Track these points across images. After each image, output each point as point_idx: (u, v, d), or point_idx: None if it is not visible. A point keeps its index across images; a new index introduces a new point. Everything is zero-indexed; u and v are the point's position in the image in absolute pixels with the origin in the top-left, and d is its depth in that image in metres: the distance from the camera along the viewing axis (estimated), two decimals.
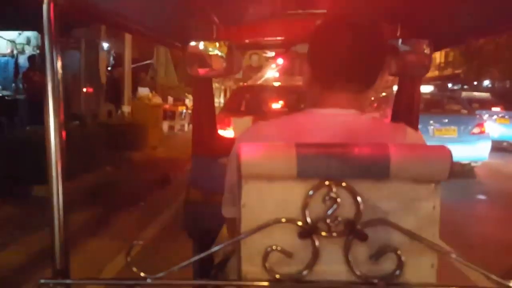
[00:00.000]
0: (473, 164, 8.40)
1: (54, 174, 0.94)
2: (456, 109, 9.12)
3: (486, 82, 22.46)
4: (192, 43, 1.99)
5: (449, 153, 0.88)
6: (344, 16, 1.15)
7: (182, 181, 7.23)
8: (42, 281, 0.90)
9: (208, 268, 1.49)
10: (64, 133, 0.96)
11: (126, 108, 9.02)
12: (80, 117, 8.03)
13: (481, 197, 7.12)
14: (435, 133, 8.04)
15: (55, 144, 0.93)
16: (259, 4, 1.93)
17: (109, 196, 5.30)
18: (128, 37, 8.86)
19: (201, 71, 2.06)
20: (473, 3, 1.50)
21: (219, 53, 2.02)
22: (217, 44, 2.01)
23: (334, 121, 1.05)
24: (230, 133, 6.02)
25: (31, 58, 11.41)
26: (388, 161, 0.86)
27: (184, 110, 14.45)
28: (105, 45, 13.48)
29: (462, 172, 7.90)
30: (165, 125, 12.61)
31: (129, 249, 0.88)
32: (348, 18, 1.12)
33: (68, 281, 0.93)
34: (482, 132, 8.42)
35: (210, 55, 2.02)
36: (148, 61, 13.87)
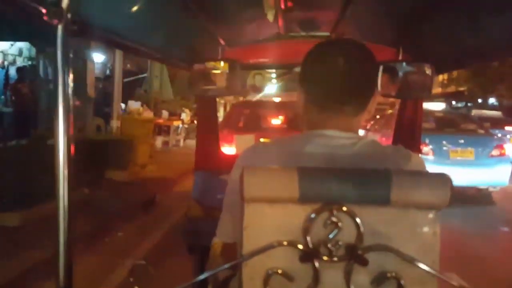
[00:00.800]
0: (491, 189, 7.68)
1: (61, 192, 0.99)
2: (472, 128, 8.31)
3: (492, 100, 21.74)
4: (198, 64, 2.08)
5: (449, 180, 0.89)
6: (335, 41, 1.23)
7: (170, 204, 6.59)
8: None
9: (207, 285, 1.47)
10: (73, 149, 1.00)
11: (115, 123, 8.46)
12: None
13: (504, 228, 6.31)
14: (451, 155, 7.26)
15: (63, 165, 0.99)
16: (264, 26, 2.01)
17: (78, 226, 4.62)
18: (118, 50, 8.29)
19: (206, 90, 2.14)
20: (474, 28, 1.54)
21: (224, 73, 2.09)
22: (222, 64, 2.08)
23: (335, 143, 1.06)
24: (232, 150, 5.94)
25: (20, 70, 10.88)
26: (389, 188, 0.87)
27: (180, 125, 13.84)
28: (101, 56, 12.93)
29: (479, 198, 7.39)
30: (159, 141, 12.03)
31: (132, 269, 0.91)
32: (339, 43, 1.19)
33: None
34: (502, 155, 7.53)
35: (215, 75, 2.10)
36: (143, 75, 13.33)
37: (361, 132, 1.45)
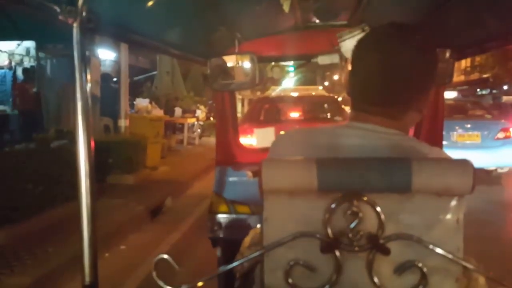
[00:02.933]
0: (499, 171, 8.02)
1: (83, 190, 1.00)
2: (480, 114, 8.90)
3: None
4: (215, 58, 2.07)
5: (471, 167, 0.87)
6: (380, 31, 1.05)
7: (182, 209, 5.89)
8: None
9: (232, 278, 1.46)
10: (93, 150, 1.01)
11: (123, 123, 7.80)
12: (67, 134, 6.71)
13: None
14: (457, 139, 7.75)
15: (85, 159, 1.00)
16: (280, 18, 1.98)
17: (75, 240, 3.92)
18: (124, 45, 7.58)
19: (225, 84, 2.13)
20: (494, 11, 1.50)
21: (242, 67, 2.09)
22: (239, 57, 2.08)
23: (374, 137, 1.00)
24: (253, 141, 5.74)
25: (26, 71, 10.26)
26: (410, 176, 0.86)
27: (195, 122, 13.14)
28: (112, 54, 12.25)
29: (488, 180, 7.50)
30: (172, 139, 11.24)
31: (156, 263, 0.91)
32: (378, 34, 1.06)
33: None
34: (507, 137, 7.94)
35: (233, 69, 2.09)
36: (154, 72, 12.66)
37: None
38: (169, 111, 11.73)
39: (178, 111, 12.18)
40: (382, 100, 0.99)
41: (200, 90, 16.29)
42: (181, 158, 10.42)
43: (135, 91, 12.68)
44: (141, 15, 1.42)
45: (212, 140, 14.53)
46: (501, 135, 7.92)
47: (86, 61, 1.02)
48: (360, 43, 1.04)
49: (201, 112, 15.63)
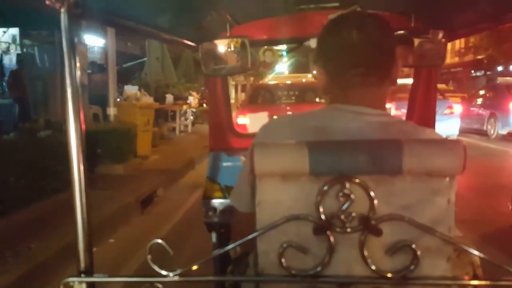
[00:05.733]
0: (449, 138, 9.19)
1: (76, 176, 0.98)
2: None
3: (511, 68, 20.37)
4: (206, 42, 2.06)
5: (462, 147, 0.89)
6: (347, 14, 1.20)
7: (174, 199, 5.71)
8: (68, 279, 0.93)
9: (227, 261, 1.47)
10: (84, 133, 1.00)
11: (112, 111, 7.54)
12: (55, 124, 6.48)
13: None
14: None
15: (76, 145, 0.98)
16: (271, 0, 1.98)
17: (62, 233, 3.74)
18: (111, 31, 7.29)
19: (217, 69, 2.13)
20: None
21: (234, 51, 2.06)
22: (231, 42, 2.06)
23: (365, 120, 1.04)
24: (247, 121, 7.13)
25: (19, 58, 9.85)
26: (401, 157, 0.87)
27: (188, 110, 12.88)
28: (100, 40, 11.93)
29: None
30: (164, 127, 10.98)
31: (150, 247, 0.91)
32: (352, 16, 1.18)
33: (92, 279, 0.97)
34: (451, 113, 11.03)
35: (225, 53, 2.07)
36: (144, 59, 12.31)
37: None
38: (160, 98, 11.46)
39: (169, 98, 11.91)
40: (365, 69, 1.05)
41: (192, 76, 15.99)
42: (174, 146, 10.24)
43: (125, 78, 12.38)
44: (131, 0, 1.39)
45: (205, 127, 14.31)
46: (447, 111, 10.85)
47: (75, 47, 0.99)
48: (335, 24, 1.11)
49: (193, 99, 15.36)
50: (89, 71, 9.68)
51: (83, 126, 1.00)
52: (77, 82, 0.99)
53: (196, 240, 3.96)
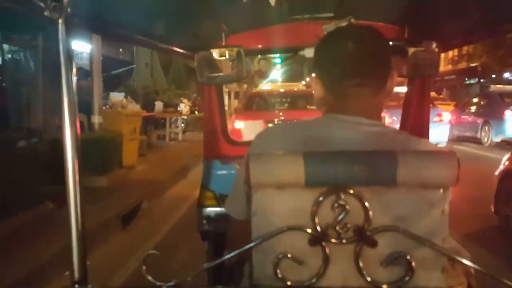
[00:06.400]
0: (439, 146, 11.43)
1: (71, 185, 1.00)
2: None
3: (507, 75, 20.24)
4: (202, 51, 2.09)
5: (456, 159, 0.91)
6: (344, 27, 1.33)
7: (159, 213, 5.38)
8: None
9: (222, 272, 1.48)
10: (80, 142, 1.02)
11: (97, 119, 7.20)
12: (35, 132, 6.11)
13: None
14: None
15: (72, 154, 1.00)
16: (266, 10, 1.99)
17: (34, 254, 3.38)
18: (96, 36, 6.96)
19: (212, 78, 2.15)
20: (477, 4, 1.57)
21: (229, 60, 2.09)
22: (227, 50, 2.09)
23: (361, 129, 1.05)
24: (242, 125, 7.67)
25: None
26: (395, 169, 0.89)
27: (179, 117, 12.57)
28: (88, 46, 11.60)
29: None
30: (154, 135, 10.65)
31: (145, 258, 0.93)
32: (348, 28, 1.32)
33: None
34: (441, 121, 11.31)
35: (220, 62, 2.10)
36: (133, 66, 12.03)
37: None
38: (149, 106, 11.15)
39: (158, 105, 11.64)
40: (361, 80, 1.07)
41: (183, 83, 15.70)
42: (162, 155, 10.02)
43: (114, 85, 12.07)
44: (127, 9, 1.42)
45: (196, 135, 14.00)
46: (436, 119, 11.04)
47: (72, 57, 1.01)
48: (331, 36, 1.16)
49: (184, 106, 15.06)
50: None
51: (79, 131, 1.01)
52: (74, 92, 1.00)
53: (182, 259, 3.63)
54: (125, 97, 8.83)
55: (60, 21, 0.98)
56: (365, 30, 1.12)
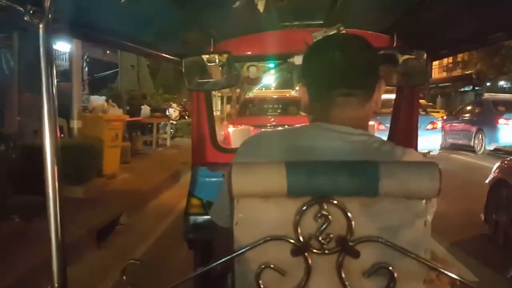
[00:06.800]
0: (432, 153, 10.94)
1: (51, 194, 1.00)
2: None
3: (501, 83, 20.08)
4: (190, 57, 2.09)
5: (438, 170, 0.92)
6: (331, 36, 1.32)
7: (140, 227, 4.96)
8: None
9: (207, 281, 1.51)
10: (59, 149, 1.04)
11: (76, 124, 6.76)
12: (10, 138, 5.63)
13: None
14: None
15: (51, 162, 1.01)
16: (256, 17, 1.97)
17: None
18: None
19: (201, 84, 2.14)
20: (468, 12, 1.59)
21: (218, 66, 2.08)
22: (215, 56, 2.08)
23: (348, 139, 1.07)
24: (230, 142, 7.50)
25: None
26: (377, 179, 0.90)
27: (167, 122, 12.11)
28: (67, 46, 11.18)
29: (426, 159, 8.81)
30: (140, 141, 10.15)
31: (125, 268, 0.93)
32: (335, 37, 1.31)
33: None
34: (434, 128, 11.34)
35: (209, 68, 2.08)
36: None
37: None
38: (135, 110, 10.64)
39: (145, 110, 11.21)
40: (348, 89, 1.07)
41: (172, 87, 15.20)
42: (148, 162, 9.62)
43: (99, 88, 11.54)
44: (113, 14, 1.41)
45: (185, 140, 13.56)
46: (429, 126, 11.15)
47: (53, 63, 1.01)
48: (318, 45, 1.19)
49: (173, 111, 14.60)
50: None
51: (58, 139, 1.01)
52: (54, 98, 1.01)
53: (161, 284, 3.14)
54: (107, 100, 8.36)
55: (41, 26, 0.97)
56: (353, 40, 1.13)
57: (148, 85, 12.26)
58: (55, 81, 1.00)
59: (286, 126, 9.36)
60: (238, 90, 16.61)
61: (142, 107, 11.30)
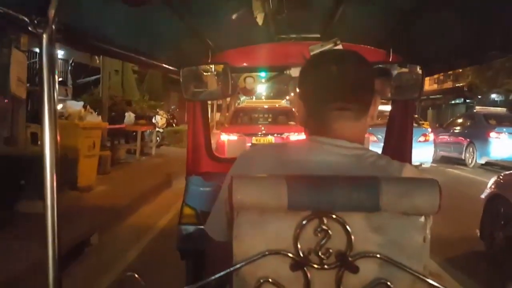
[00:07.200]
0: (423, 166, 11.22)
1: (49, 201, 1.05)
2: None
3: (493, 96, 20.02)
4: (188, 67, 2.14)
5: (438, 187, 0.93)
6: (328, 51, 1.40)
7: (113, 248, 4.60)
8: None
9: None
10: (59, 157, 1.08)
11: None
12: None
13: None
14: None
15: (50, 169, 1.07)
16: (253, 29, 2.03)
17: None
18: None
19: (197, 93, 2.19)
20: (463, 30, 1.65)
21: (215, 76, 2.13)
22: (212, 67, 2.15)
23: (343, 153, 1.09)
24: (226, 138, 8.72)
25: None
26: (378, 195, 0.91)
27: (154, 130, 11.65)
28: (60, 52, 10.68)
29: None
30: (122, 150, 9.71)
31: (121, 281, 1.00)
32: (332, 52, 1.38)
33: None
34: (426, 140, 11.39)
35: (206, 78, 2.14)
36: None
37: None
38: (118, 117, 10.16)
39: (129, 117, 10.69)
40: (344, 104, 1.10)
41: (159, 93, 14.72)
42: (130, 172, 9.16)
43: (82, 93, 11.07)
44: (113, 25, 1.46)
45: (171, 149, 13.13)
46: (421, 138, 11.24)
47: (55, 71, 1.03)
48: (315, 59, 1.23)
49: (160, 118, 14.15)
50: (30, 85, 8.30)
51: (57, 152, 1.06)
52: (55, 109, 1.04)
53: None
54: (84, 106, 7.84)
55: (44, 35, 0.99)
56: (350, 55, 1.16)
57: (133, 91, 11.83)
58: (56, 91, 1.03)
59: (275, 135, 9.81)
60: (228, 99, 17.18)
61: (126, 114, 10.84)
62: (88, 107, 7.87)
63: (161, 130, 13.97)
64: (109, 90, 10.06)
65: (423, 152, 10.79)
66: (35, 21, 0.96)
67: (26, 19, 0.96)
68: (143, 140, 11.64)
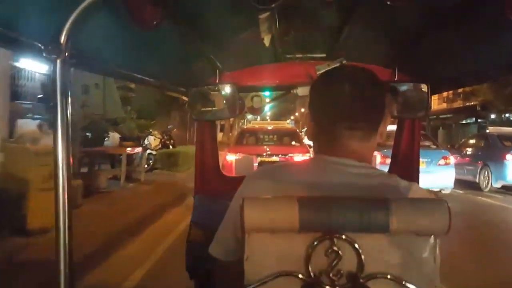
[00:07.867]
0: (443, 192, 10.34)
1: (61, 220, 1.10)
2: (427, 144, 10.78)
3: (507, 115, 19.06)
4: (196, 87, 2.26)
5: (447, 208, 0.97)
6: (340, 68, 1.42)
7: None
8: None
9: None
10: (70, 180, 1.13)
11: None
12: None
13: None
14: None
15: (62, 188, 1.10)
16: (260, 50, 2.14)
17: None
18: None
19: (205, 113, 2.29)
20: (468, 49, 1.72)
21: (222, 96, 2.22)
22: (220, 87, 2.25)
23: (354, 172, 1.13)
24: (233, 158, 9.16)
25: None
26: (388, 216, 0.94)
27: (144, 152, 10.60)
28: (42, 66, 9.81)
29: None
30: (102, 177, 8.57)
31: None
32: (344, 69, 1.36)
33: None
34: (447, 164, 10.47)
35: (214, 98, 2.24)
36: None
37: None
38: (97, 138, 9.14)
39: (113, 137, 9.63)
40: (354, 123, 1.14)
41: (151, 111, 13.55)
42: (107, 205, 7.55)
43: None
44: (123, 49, 1.54)
45: (164, 174, 12.02)
46: (442, 162, 10.45)
47: (68, 95, 1.07)
48: (327, 76, 1.25)
49: (154, 139, 13.02)
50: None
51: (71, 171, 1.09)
52: (69, 132, 1.07)
53: None
54: (40, 126, 6.62)
55: (58, 61, 1.03)
56: (361, 73, 1.19)
57: (117, 108, 10.71)
58: (69, 115, 1.07)
59: (280, 155, 10.15)
60: (231, 119, 17.40)
61: (110, 134, 9.80)
62: (46, 126, 6.65)
63: (153, 153, 12.92)
64: (84, 108, 8.99)
65: (443, 176, 10.10)
66: (49, 47, 1.01)
67: (40, 45, 1.02)
68: (130, 165, 10.70)
